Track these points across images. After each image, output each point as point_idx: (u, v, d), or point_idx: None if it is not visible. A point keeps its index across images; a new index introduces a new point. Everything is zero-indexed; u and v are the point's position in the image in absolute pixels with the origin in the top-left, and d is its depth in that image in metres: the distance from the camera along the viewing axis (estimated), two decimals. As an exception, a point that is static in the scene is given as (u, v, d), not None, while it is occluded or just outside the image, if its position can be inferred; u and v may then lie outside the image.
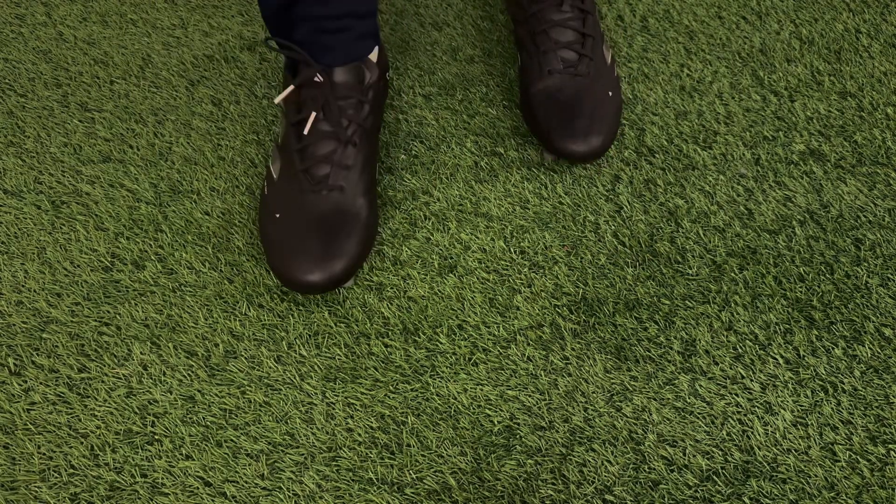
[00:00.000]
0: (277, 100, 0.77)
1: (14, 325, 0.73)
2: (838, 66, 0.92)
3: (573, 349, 0.70)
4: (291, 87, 0.77)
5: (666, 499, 0.62)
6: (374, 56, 0.82)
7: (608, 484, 0.63)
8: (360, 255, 0.72)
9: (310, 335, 0.72)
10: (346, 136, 0.76)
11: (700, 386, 0.67)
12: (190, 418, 0.67)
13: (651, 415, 0.66)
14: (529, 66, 0.85)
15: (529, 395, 0.68)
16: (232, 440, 0.66)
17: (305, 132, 0.75)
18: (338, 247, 0.71)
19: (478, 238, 0.78)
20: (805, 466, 0.63)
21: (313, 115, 0.76)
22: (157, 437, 0.66)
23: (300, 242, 0.71)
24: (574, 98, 0.81)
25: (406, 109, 0.90)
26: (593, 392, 0.67)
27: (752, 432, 0.65)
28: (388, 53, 0.96)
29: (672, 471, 0.63)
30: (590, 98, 0.81)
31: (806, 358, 0.69)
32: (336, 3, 0.76)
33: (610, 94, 0.83)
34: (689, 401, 0.67)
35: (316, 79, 0.77)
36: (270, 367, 0.70)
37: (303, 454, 0.65)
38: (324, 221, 0.72)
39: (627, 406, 0.67)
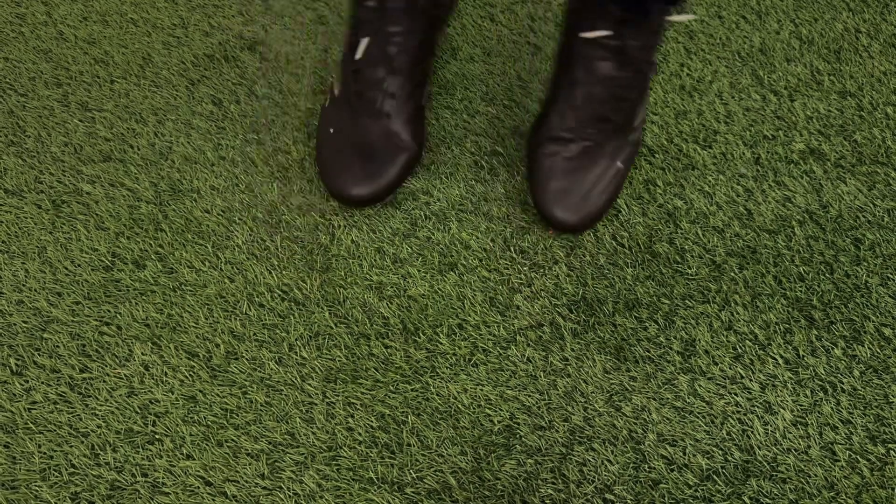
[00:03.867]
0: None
1: (15, 324, 0.73)
2: (838, 65, 0.92)
3: (573, 349, 0.70)
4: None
5: (666, 498, 0.62)
6: None
7: (608, 483, 0.63)
8: (399, 178, 0.79)
9: (310, 336, 0.72)
10: (394, 64, 0.76)
11: (700, 386, 0.67)
12: (191, 418, 0.67)
13: (651, 414, 0.66)
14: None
15: (529, 395, 0.68)
16: (232, 440, 0.66)
17: (357, 56, 0.76)
18: (377, 171, 0.78)
19: (478, 238, 0.78)
20: (805, 466, 0.63)
21: (366, 39, 0.76)
22: (157, 436, 0.66)
23: (346, 160, 0.79)
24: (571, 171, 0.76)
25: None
26: (593, 392, 0.68)
27: (752, 432, 0.65)
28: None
29: (672, 470, 0.63)
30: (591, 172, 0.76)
31: (805, 358, 0.69)
32: None
33: (619, 164, 0.77)
34: (688, 400, 0.67)
35: (369, 2, 0.75)
36: (272, 369, 0.70)
37: (303, 454, 0.65)
38: (368, 146, 0.78)
39: (627, 406, 0.67)
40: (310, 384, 0.69)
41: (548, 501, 0.62)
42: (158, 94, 0.93)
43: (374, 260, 0.77)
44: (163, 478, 0.64)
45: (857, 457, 0.63)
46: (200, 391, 0.68)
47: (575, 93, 0.74)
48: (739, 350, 0.69)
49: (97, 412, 0.68)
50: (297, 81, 0.94)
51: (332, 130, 0.80)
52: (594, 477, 0.63)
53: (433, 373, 0.69)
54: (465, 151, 0.85)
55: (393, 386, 0.69)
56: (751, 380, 0.68)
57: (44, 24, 1.02)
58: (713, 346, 0.70)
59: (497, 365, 0.69)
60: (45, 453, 0.65)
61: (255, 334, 0.72)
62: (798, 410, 0.66)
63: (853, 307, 0.72)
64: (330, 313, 0.73)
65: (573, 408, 0.67)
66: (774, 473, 0.63)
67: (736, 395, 0.67)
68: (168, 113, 0.91)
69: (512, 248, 0.77)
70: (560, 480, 0.63)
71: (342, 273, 0.76)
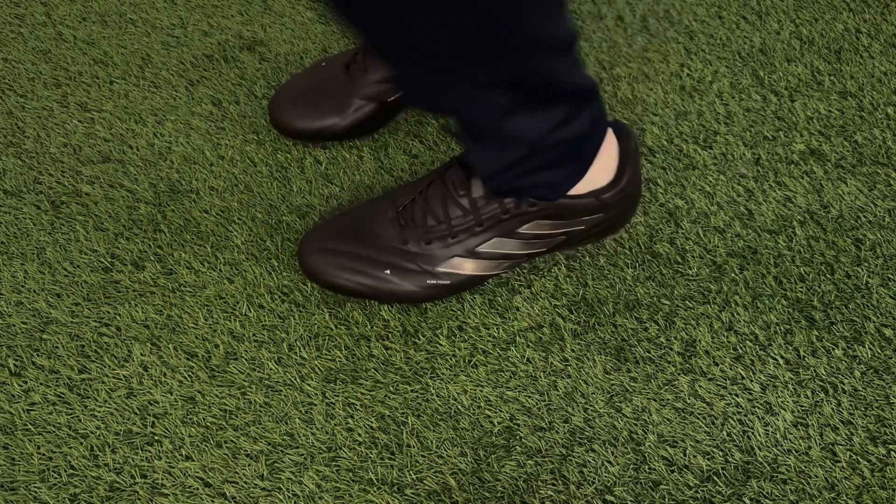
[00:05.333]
0: None
1: (14, 325, 0.73)
2: (838, 65, 0.92)
3: (573, 350, 0.70)
4: None
5: (666, 499, 0.62)
6: None
7: (608, 484, 0.63)
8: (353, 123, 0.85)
9: (310, 337, 0.72)
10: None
11: (700, 386, 0.67)
12: (190, 419, 0.67)
13: (651, 415, 0.66)
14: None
15: (529, 396, 0.67)
16: (232, 441, 0.66)
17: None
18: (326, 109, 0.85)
19: (478, 238, 0.78)
20: (805, 467, 0.63)
21: None
22: (157, 437, 0.66)
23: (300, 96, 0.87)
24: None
25: (406, 108, 0.89)
26: (593, 393, 0.67)
27: (753, 433, 0.65)
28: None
29: (672, 471, 0.63)
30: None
31: (806, 358, 0.69)
32: None
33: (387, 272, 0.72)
34: (689, 401, 0.67)
35: None
36: (271, 370, 0.70)
37: (302, 454, 0.65)
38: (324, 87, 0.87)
39: (627, 406, 0.66)
40: (309, 385, 0.69)
41: (548, 502, 0.62)
42: (157, 94, 0.93)
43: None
44: (162, 479, 0.64)
45: (858, 458, 0.63)
46: (199, 392, 0.68)
47: None
48: (740, 351, 0.69)
49: (96, 413, 0.67)
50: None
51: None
52: (594, 478, 0.63)
53: (433, 374, 0.69)
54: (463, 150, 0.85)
55: (393, 387, 0.68)
56: (751, 380, 0.67)
57: (43, 25, 1.02)
58: (714, 346, 0.70)
59: (497, 366, 0.69)
60: (44, 454, 0.65)
61: (254, 335, 0.72)
62: (799, 411, 0.66)
63: (854, 308, 0.71)
64: (330, 314, 0.73)
65: (573, 409, 0.67)
66: (775, 474, 0.63)
67: (736, 395, 0.67)
68: (167, 113, 0.91)
69: (512, 249, 0.77)
70: (560, 482, 0.63)
71: (342, 274, 0.76)
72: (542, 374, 0.69)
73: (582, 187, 0.70)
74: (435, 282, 0.71)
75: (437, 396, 0.68)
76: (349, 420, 0.67)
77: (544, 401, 0.67)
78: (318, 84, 0.86)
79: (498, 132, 0.63)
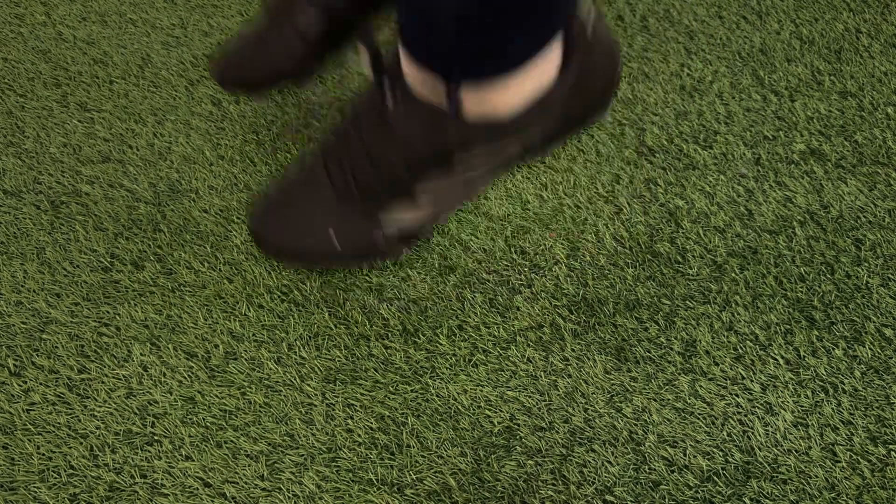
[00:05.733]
0: None
1: (13, 325, 0.73)
2: (839, 65, 0.92)
3: (573, 350, 0.70)
4: None
5: (666, 499, 0.62)
6: None
7: (608, 484, 0.63)
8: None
9: (310, 336, 0.71)
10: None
11: (700, 386, 0.67)
12: (190, 419, 0.67)
13: (651, 415, 0.66)
14: None
15: (529, 396, 0.67)
16: (232, 441, 0.66)
17: None
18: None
19: (478, 238, 0.78)
20: (806, 467, 0.63)
21: None
22: (156, 437, 0.66)
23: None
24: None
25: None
26: (593, 393, 0.67)
27: (753, 433, 0.65)
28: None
29: (672, 471, 0.63)
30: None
31: (806, 358, 0.69)
32: None
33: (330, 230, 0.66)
34: (689, 401, 0.67)
35: None
36: (271, 369, 0.70)
37: (302, 455, 0.65)
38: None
39: (628, 406, 0.66)
40: (309, 385, 0.68)
41: (548, 502, 0.62)
42: (157, 94, 0.93)
43: (374, 262, 0.76)
44: (162, 479, 0.64)
45: (858, 458, 0.63)
46: (199, 392, 0.68)
47: None
48: (740, 351, 0.69)
49: (96, 413, 0.67)
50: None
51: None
52: (594, 478, 0.63)
53: (433, 374, 0.69)
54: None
55: (393, 387, 0.68)
56: (752, 380, 0.67)
57: (42, 25, 1.01)
58: (714, 346, 0.70)
59: (497, 365, 0.69)
60: (43, 454, 0.65)
61: (254, 335, 0.72)
62: (799, 411, 0.66)
63: (854, 308, 0.71)
64: (329, 314, 0.73)
65: (573, 409, 0.67)
66: (775, 474, 0.63)
67: (737, 395, 0.67)
68: (167, 113, 0.91)
69: (512, 249, 0.77)
70: (560, 482, 0.63)
71: (342, 274, 0.76)
72: (542, 373, 0.69)
73: (520, 93, 0.58)
74: (381, 231, 0.65)
75: (437, 396, 0.68)
76: (349, 420, 0.67)
77: (544, 401, 0.67)
78: (254, 33, 0.86)
79: None
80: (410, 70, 0.56)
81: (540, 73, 0.59)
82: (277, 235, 0.68)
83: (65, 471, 0.64)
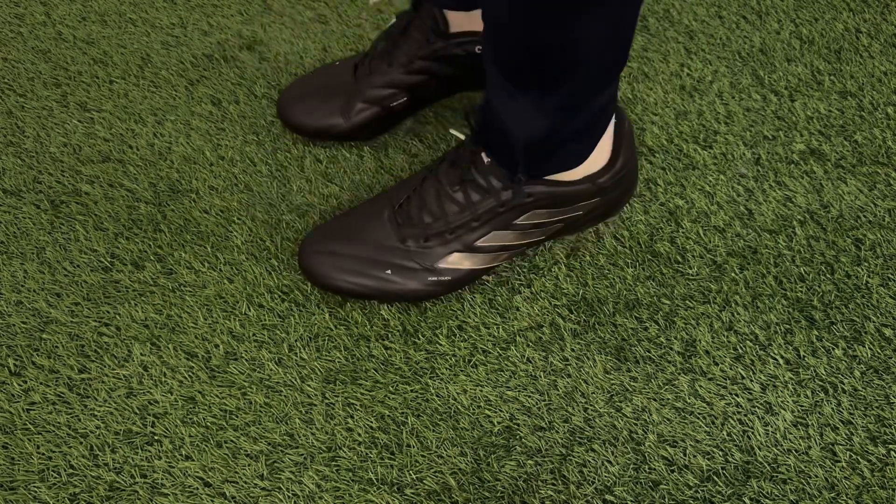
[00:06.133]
0: None
1: (14, 325, 0.73)
2: (838, 65, 0.92)
3: (573, 349, 0.70)
4: None
5: (666, 499, 0.62)
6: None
7: (608, 484, 0.63)
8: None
9: (310, 337, 0.71)
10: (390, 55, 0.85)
11: (700, 386, 0.67)
12: (190, 419, 0.67)
13: (651, 415, 0.66)
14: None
15: (529, 396, 0.67)
16: (232, 441, 0.66)
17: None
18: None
19: (478, 238, 0.78)
20: (805, 467, 0.63)
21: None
22: (157, 437, 0.66)
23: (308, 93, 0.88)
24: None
25: (410, 117, 0.89)
26: (593, 392, 0.67)
27: (753, 433, 0.65)
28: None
29: (672, 471, 0.63)
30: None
31: (806, 358, 0.69)
32: None
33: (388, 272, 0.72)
34: (689, 401, 0.67)
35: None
36: (271, 370, 0.70)
37: (302, 455, 0.65)
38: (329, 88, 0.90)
39: (627, 406, 0.66)
40: (309, 385, 0.69)
41: (548, 502, 0.62)
42: (157, 94, 0.93)
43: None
44: (162, 479, 0.64)
45: (858, 457, 0.63)
46: (199, 392, 0.68)
47: None
48: (740, 350, 0.69)
49: (96, 413, 0.67)
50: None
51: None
52: (594, 478, 0.63)
53: (433, 374, 0.69)
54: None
55: (392, 387, 0.68)
56: (751, 380, 0.67)
57: (42, 25, 1.01)
58: (714, 346, 0.70)
59: (497, 365, 0.69)
60: (43, 454, 0.65)
61: (254, 335, 0.72)
62: (799, 411, 0.66)
63: (854, 307, 0.71)
64: (330, 314, 0.73)
65: (573, 408, 0.67)
66: (775, 474, 0.63)
67: (736, 395, 0.67)
68: (167, 113, 0.91)
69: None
70: (560, 481, 0.63)
71: (342, 273, 0.76)
72: (542, 373, 0.69)
73: (578, 173, 0.70)
74: (436, 278, 0.71)
75: (437, 396, 0.68)
76: (349, 420, 0.67)
77: (544, 400, 0.67)
78: (327, 83, 0.87)
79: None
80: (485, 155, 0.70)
81: (590, 163, 0.71)
82: (332, 274, 0.72)
83: (65, 470, 0.64)
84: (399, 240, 0.71)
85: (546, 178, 0.70)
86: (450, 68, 0.82)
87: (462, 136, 0.74)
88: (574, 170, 0.70)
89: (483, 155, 0.70)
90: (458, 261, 0.71)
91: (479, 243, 0.71)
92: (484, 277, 0.75)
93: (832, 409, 0.66)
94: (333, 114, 0.84)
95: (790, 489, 0.62)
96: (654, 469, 0.63)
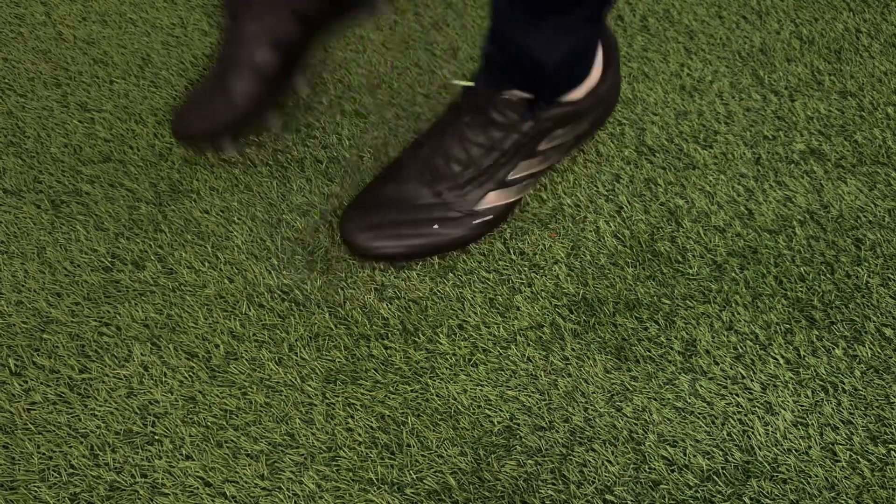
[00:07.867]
0: None
1: (14, 325, 0.73)
2: (838, 65, 0.92)
3: (573, 349, 0.70)
4: None
5: (666, 499, 0.62)
6: None
7: (608, 484, 0.63)
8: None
9: (310, 337, 0.72)
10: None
11: (700, 386, 0.67)
12: (190, 419, 0.67)
13: (651, 415, 0.66)
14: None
15: (529, 396, 0.67)
16: (232, 440, 0.66)
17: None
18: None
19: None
20: (805, 466, 0.63)
21: None
22: (157, 437, 0.66)
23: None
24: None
25: (406, 107, 0.90)
26: (593, 392, 0.67)
27: (753, 432, 0.65)
28: (387, 54, 0.96)
29: (672, 471, 0.63)
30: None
31: (806, 358, 0.69)
32: None
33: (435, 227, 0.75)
34: (689, 401, 0.67)
35: None
36: (272, 370, 0.70)
37: (303, 454, 0.65)
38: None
39: (628, 406, 0.66)
40: (309, 385, 0.69)
41: (548, 502, 0.62)
42: (158, 94, 0.93)
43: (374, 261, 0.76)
44: (162, 478, 0.64)
45: (858, 457, 0.63)
46: (200, 392, 0.68)
47: None
48: (740, 350, 0.69)
49: (96, 413, 0.67)
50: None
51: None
52: (594, 478, 0.63)
53: (433, 373, 0.69)
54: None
55: (393, 387, 0.68)
56: (752, 380, 0.67)
57: (42, 25, 1.01)
58: (714, 346, 0.70)
59: (497, 365, 0.69)
60: (44, 454, 0.65)
61: (254, 335, 0.72)
62: (799, 411, 0.66)
63: (854, 307, 0.71)
64: (330, 314, 0.73)
65: (573, 408, 0.67)
66: (775, 474, 0.63)
67: (737, 395, 0.67)
68: (167, 114, 0.91)
69: (511, 250, 0.77)
70: (560, 481, 0.63)
71: (342, 274, 0.76)
72: (542, 373, 0.69)
73: (582, 89, 0.75)
74: (480, 220, 0.75)
75: (437, 396, 0.68)
76: (349, 420, 0.67)
77: (544, 400, 0.67)
78: (203, 87, 0.84)
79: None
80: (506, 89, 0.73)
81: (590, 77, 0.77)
82: (381, 244, 0.74)
83: (65, 470, 0.64)
84: (435, 195, 0.74)
85: (559, 100, 0.74)
86: None
87: (469, 84, 0.76)
88: (580, 87, 0.74)
89: (500, 94, 0.72)
90: (495, 199, 0.75)
91: (510, 177, 0.75)
92: (484, 275, 0.75)
93: (832, 408, 0.66)
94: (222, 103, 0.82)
95: (790, 489, 0.62)
96: (655, 469, 0.63)
